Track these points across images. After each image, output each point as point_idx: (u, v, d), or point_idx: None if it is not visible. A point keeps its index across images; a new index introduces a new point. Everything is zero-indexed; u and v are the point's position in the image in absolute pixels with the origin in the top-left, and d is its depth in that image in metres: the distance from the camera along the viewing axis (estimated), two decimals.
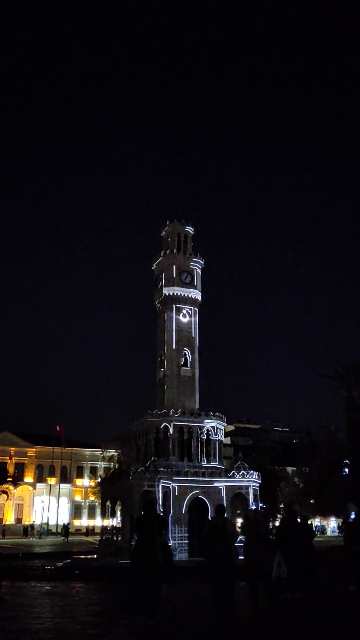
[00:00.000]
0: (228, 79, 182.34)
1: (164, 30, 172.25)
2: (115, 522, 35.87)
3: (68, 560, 24.72)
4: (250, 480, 30.17)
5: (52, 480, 63.53)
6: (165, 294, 33.19)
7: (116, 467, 45.06)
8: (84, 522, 66.06)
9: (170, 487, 28.04)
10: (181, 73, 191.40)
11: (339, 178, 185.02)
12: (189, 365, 32.48)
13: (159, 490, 26.70)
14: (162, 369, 32.57)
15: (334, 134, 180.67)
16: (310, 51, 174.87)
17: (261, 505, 35.39)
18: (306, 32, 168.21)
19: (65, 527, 49.20)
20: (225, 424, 34.24)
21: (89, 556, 29.19)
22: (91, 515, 67.55)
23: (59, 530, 57.39)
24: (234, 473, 30.25)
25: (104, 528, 34.15)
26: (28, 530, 54.64)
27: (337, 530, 57.09)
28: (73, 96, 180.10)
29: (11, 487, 60.01)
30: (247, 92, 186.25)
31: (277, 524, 36.45)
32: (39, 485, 65.72)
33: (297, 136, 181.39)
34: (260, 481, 31.48)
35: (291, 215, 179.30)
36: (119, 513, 35.43)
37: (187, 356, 32.60)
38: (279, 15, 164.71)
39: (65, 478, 67.59)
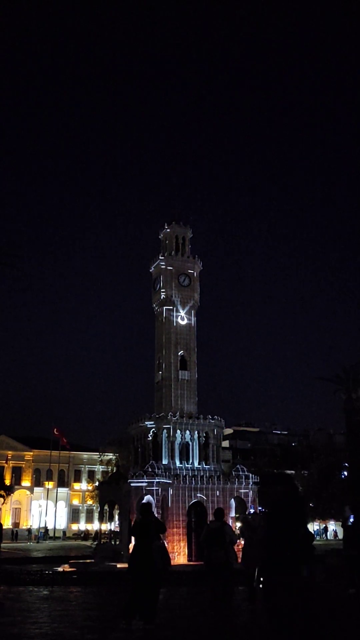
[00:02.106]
0: (226, 81, 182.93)
1: (165, 30, 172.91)
2: (113, 526, 35.70)
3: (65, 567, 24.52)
4: (249, 484, 30.09)
5: (49, 484, 63.31)
6: (163, 297, 33.16)
7: (114, 470, 44.95)
8: (81, 526, 65.82)
9: (169, 491, 27.95)
10: (179, 75, 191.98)
11: (338, 178, 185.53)
12: (187, 368, 32.43)
13: (157, 494, 26.61)
14: (160, 372, 32.51)
15: (333, 136, 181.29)
16: (310, 51, 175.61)
17: (260, 508, 35.26)
18: (306, 32, 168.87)
19: (97, 532, 49.41)
20: (224, 427, 34.17)
21: (87, 560, 29.05)
22: (89, 519, 67.30)
23: (59, 535, 57.25)
24: (232, 476, 30.18)
25: (101, 532, 33.99)
26: (15, 534, 54.01)
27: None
28: (72, 98, 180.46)
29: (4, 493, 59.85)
30: (246, 94, 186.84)
31: None
32: (36, 489, 65.46)
33: (296, 137, 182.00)
34: (259, 484, 31.40)
35: (290, 218, 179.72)
36: (117, 517, 35.29)
37: (186, 359, 32.56)
38: (277, 16, 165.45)
39: (62, 482, 67.37)
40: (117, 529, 33.00)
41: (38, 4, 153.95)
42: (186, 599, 13.50)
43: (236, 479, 29.94)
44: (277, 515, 5.70)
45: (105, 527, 34.99)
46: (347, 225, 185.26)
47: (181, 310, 33.20)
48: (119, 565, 22.98)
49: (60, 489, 64.90)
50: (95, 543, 40.96)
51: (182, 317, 33.16)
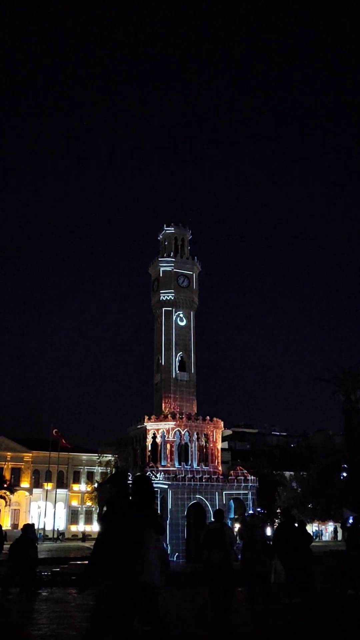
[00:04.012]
0: (226, 81, 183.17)
1: (165, 30, 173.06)
2: None
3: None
4: (247, 485, 30.10)
5: (48, 486, 63.27)
6: (162, 298, 33.19)
7: (113, 472, 44.97)
8: (80, 527, 65.77)
9: (168, 492, 27.94)
10: (179, 75, 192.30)
11: (338, 178, 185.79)
12: (186, 369, 32.45)
13: (156, 495, 26.62)
14: (159, 373, 32.52)
15: (334, 136, 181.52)
16: (310, 51, 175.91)
17: (259, 509, 35.25)
18: (306, 32, 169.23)
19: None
20: (223, 428, 34.19)
21: (86, 562, 29.02)
22: (88, 520, 67.24)
23: (57, 536, 57.19)
24: (231, 478, 30.18)
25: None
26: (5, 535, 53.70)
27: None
28: (72, 98, 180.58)
29: (8, 493, 59.84)
30: (246, 94, 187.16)
31: (275, 528, 36.33)
32: (35, 490, 65.46)
33: (296, 137, 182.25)
34: (257, 486, 31.41)
35: (290, 218, 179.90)
36: None
37: (185, 360, 32.58)
38: (277, 16, 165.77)
39: (61, 483, 67.34)
40: None
41: (38, 4, 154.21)
42: (185, 600, 13.48)
43: (235, 480, 29.94)
44: (108, 515, 5.65)
45: None
46: (347, 226, 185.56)
47: (180, 312, 33.22)
48: None
49: (59, 490, 64.83)
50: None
51: (181, 319, 33.18)
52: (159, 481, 27.15)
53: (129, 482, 5.89)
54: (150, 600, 8.68)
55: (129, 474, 24.99)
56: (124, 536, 5.30)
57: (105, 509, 5.73)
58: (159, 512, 26.14)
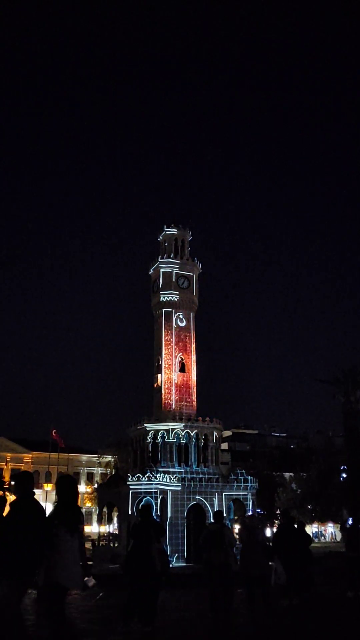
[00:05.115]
0: (226, 82, 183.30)
1: (165, 30, 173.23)
2: (112, 528, 35.65)
3: None
4: (247, 486, 30.08)
5: (48, 487, 63.23)
6: (162, 299, 33.20)
7: (113, 473, 44.93)
8: None
9: (167, 493, 27.92)
10: (179, 76, 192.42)
11: (338, 179, 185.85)
12: (185, 370, 32.46)
13: (156, 497, 26.60)
14: (159, 374, 32.53)
15: (334, 136, 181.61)
16: (310, 51, 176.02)
17: (258, 511, 35.23)
18: (306, 32, 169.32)
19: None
20: (223, 430, 34.19)
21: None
22: (87, 521, 67.20)
23: None
24: (231, 479, 30.17)
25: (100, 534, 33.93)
26: None
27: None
28: (72, 98, 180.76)
29: (7, 494, 59.80)
30: (246, 94, 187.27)
31: (274, 530, 36.35)
32: (35, 491, 65.60)
33: (296, 138, 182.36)
34: (257, 487, 31.39)
35: (290, 219, 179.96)
36: (115, 519, 35.28)
37: (184, 361, 32.58)
38: (277, 16, 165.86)
39: None
40: (116, 532, 32.98)
41: (38, 4, 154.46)
42: (185, 601, 13.48)
43: (235, 482, 29.92)
44: (8, 518, 5.67)
45: (104, 529, 34.93)
46: (346, 227, 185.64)
47: (180, 313, 33.23)
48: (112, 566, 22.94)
49: None
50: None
51: (181, 319, 33.19)
52: (159, 482, 27.13)
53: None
54: (152, 598, 8.67)
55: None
56: (23, 537, 5.31)
57: (8, 511, 5.77)
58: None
